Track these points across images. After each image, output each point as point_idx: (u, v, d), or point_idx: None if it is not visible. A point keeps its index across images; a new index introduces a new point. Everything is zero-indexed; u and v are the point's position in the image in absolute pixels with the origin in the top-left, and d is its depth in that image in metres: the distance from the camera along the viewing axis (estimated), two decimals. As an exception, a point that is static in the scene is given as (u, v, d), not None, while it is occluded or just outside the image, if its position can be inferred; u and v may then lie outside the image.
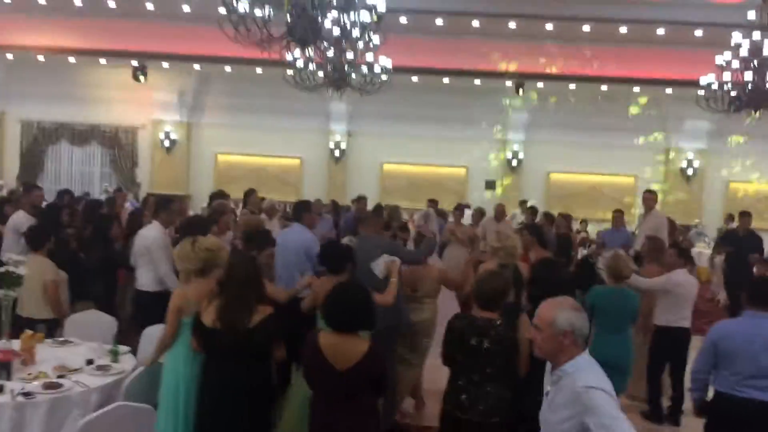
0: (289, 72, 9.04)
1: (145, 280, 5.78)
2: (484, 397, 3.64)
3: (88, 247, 6.48)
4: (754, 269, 8.39)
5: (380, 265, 4.81)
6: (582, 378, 2.58)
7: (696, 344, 8.39)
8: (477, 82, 14.28)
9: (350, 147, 16.17)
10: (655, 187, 15.57)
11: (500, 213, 10.77)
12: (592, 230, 13.15)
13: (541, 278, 3.96)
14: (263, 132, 15.71)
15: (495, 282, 3.78)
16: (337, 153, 16.03)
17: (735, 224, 10.54)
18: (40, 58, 14.01)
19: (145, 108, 15.70)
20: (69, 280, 5.63)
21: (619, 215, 9.98)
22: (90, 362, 4.28)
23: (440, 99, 14.90)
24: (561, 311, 2.71)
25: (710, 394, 4.17)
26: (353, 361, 3.31)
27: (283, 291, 4.85)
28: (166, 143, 15.98)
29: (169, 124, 16.00)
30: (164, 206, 6.13)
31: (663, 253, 6.45)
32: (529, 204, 12.76)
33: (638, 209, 14.25)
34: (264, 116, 15.38)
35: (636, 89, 14.13)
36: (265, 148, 15.90)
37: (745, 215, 9.55)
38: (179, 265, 4.09)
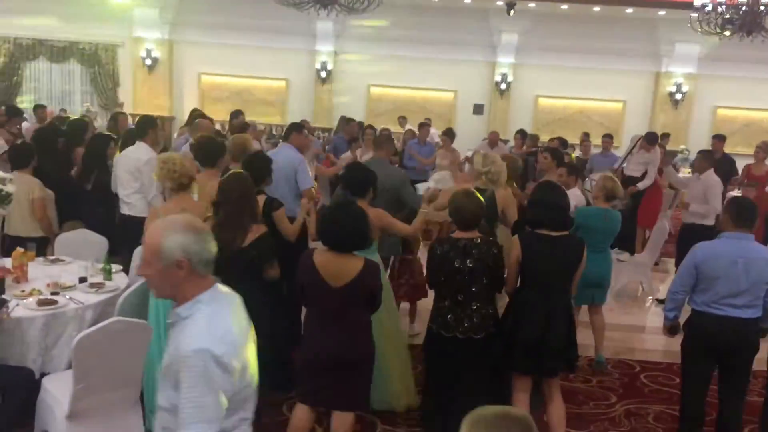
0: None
1: (137, 204, 5.54)
2: (469, 315, 3.75)
3: (84, 171, 6.22)
4: (739, 191, 8.52)
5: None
6: (194, 334, 2.05)
7: (665, 267, 8.76)
8: (467, 1, 13.91)
9: (337, 68, 15.85)
10: (643, 112, 15.67)
11: (494, 140, 10.75)
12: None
13: (538, 201, 3.98)
14: (248, 52, 15.31)
15: (472, 204, 3.81)
16: (323, 74, 15.71)
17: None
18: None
19: (125, 24, 15.17)
20: (62, 202, 5.57)
21: (607, 140, 10.17)
22: (83, 280, 4.31)
23: (429, 20, 14.56)
24: (169, 235, 2.09)
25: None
26: (349, 278, 3.37)
27: (291, 226, 4.73)
28: (148, 62, 15.52)
29: (151, 42, 15.52)
30: (152, 124, 5.95)
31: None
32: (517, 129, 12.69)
33: (626, 134, 14.31)
34: (249, 35, 14.96)
35: (629, 11, 13.88)
36: (251, 69, 15.52)
37: (719, 138, 9.66)
38: (163, 184, 4.14)
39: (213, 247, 2.19)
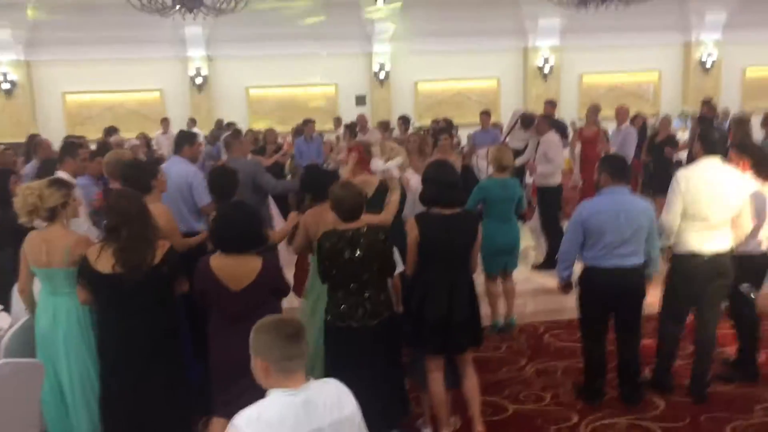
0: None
1: None
2: (362, 303, 3.75)
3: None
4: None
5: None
6: None
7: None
8: (336, -7, 13.94)
9: (212, 73, 15.43)
10: (516, 86, 16.34)
11: (362, 124, 10.83)
12: (462, 135, 13.57)
13: (431, 179, 4.04)
14: (115, 65, 14.59)
15: (350, 194, 3.80)
16: (198, 80, 15.25)
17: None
18: None
19: (-26, 49, 14.07)
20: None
21: (485, 116, 10.48)
22: (-41, 326, 3.96)
23: (300, 15, 14.42)
24: None
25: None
26: (249, 280, 3.30)
27: (276, 233, 4.58)
28: (5, 86, 14.47)
29: (5, 65, 14.45)
30: (71, 152, 5.52)
31: None
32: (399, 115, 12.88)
33: (503, 110, 14.88)
34: (113, 48, 14.23)
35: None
36: (120, 83, 14.82)
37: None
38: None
39: None
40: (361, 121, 10.93)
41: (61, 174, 5.12)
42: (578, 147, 9.20)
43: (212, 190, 4.64)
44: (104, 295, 3.52)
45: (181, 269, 3.62)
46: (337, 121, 13.12)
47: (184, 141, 5.55)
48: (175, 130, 9.67)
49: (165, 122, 13.61)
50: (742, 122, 8.03)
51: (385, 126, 10.86)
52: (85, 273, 3.49)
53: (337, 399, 2.22)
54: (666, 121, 9.86)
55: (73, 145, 5.69)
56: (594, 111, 9.35)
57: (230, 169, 4.71)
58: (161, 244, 3.53)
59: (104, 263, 3.42)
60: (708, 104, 10.58)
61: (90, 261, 3.46)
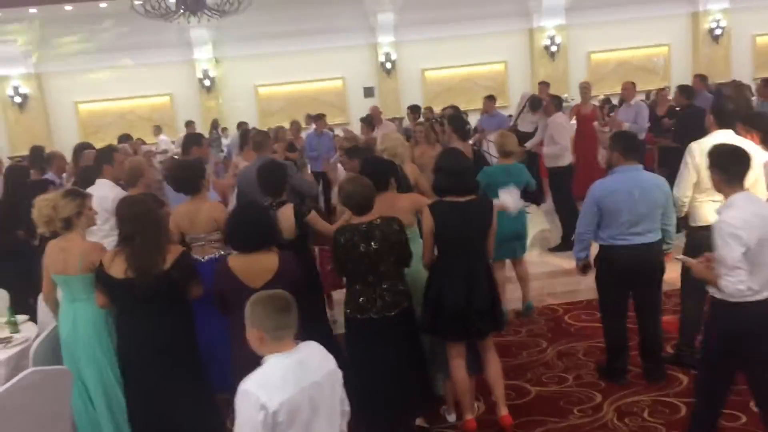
0: (137, 0, 8.41)
1: None
2: (380, 294, 3.77)
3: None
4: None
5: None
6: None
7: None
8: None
9: (220, 74, 15.51)
10: (524, 68, 16.21)
11: (376, 116, 10.76)
12: (473, 120, 13.52)
13: (441, 168, 4.05)
14: (124, 73, 14.72)
15: (359, 187, 3.82)
16: (207, 82, 15.33)
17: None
18: None
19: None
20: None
21: (488, 101, 10.31)
22: (-13, 338, 4.05)
23: (304, 12, 14.45)
24: None
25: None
26: (269, 276, 3.35)
27: (329, 226, 4.51)
28: (17, 99, 14.66)
29: (17, 78, 14.63)
30: (108, 159, 5.33)
31: None
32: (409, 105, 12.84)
33: (511, 93, 14.77)
34: (121, 55, 14.35)
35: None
36: (130, 90, 14.95)
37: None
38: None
39: None
40: (374, 112, 10.76)
41: (103, 182, 5.13)
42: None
43: (263, 186, 4.54)
44: (119, 300, 3.59)
45: (193, 274, 3.66)
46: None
47: (192, 143, 5.59)
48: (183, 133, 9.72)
49: (157, 128, 13.84)
50: (741, 88, 7.92)
51: (414, 109, 10.80)
52: (100, 278, 3.57)
53: (323, 356, 2.57)
54: (664, 93, 9.79)
55: (107, 153, 5.49)
56: (588, 88, 9.39)
57: (279, 164, 4.72)
58: (173, 249, 3.58)
59: (117, 268, 3.49)
60: (701, 78, 10.39)
61: (104, 266, 3.53)
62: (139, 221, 3.53)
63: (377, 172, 4.25)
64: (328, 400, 2.52)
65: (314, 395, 2.44)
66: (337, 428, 2.62)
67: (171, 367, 3.55)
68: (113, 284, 3.52)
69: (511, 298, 5.88)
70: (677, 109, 8.30)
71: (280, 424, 2.33)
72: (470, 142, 9.20)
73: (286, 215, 4.29)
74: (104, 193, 4.90)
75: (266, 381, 2.37)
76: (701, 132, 4.58)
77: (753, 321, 3.13)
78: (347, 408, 2.69)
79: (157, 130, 13.73)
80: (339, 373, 2.60)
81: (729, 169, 3.23)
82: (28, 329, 4.26)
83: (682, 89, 8.11)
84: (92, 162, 5.63)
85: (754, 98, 8.93)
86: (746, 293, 3.07)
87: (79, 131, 14.88)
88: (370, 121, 9.69)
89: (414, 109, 10.97)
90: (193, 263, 3.81)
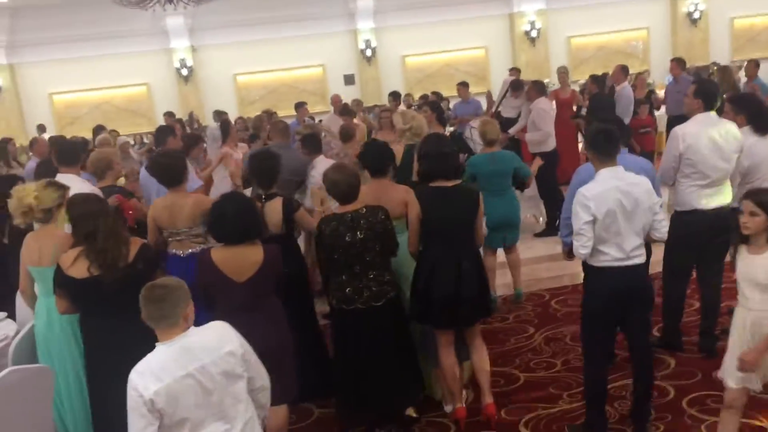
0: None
1: None
2: (367, 285, 3.73)
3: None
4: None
5: None
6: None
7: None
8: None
9: (198, 63, 15.28)
10: (505, 54, 16.17)
11: (336, 104, 10.70)
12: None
13: (426, 153, 4.00)
14: (99, 62, 14.43)
15: (345, 176, 3.76)
16: (184, 72, 15.10)
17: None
18: None
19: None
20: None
21: (462, 87, 10.21)
22: (-36, 337, 3.94)
23: (281, -2, 14.29)
24: None
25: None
26: (252, 270, 3.29)
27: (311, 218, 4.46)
28: (-9, 91, 14.36)
29: (-12, 70, 14.33)
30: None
31: None
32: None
33: (493, 78, 14.73)
34: (96, 44, 14.10)
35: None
36: (106, 80, 14.67)
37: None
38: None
39: None
40: (335, 100, 10.69)
41: (70, 177, 4.82)
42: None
43: (255, 175, 4.44)
44: (83, 302, 3.42)
45: (158, 265, 3.58)
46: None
47: (167, 134, 5.49)
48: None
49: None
50: (726, 71, 7.96)
51: (395, 95, 10.86)
52: (60, 281, 3.39)
53: (217, 340, 2.59)
54: (642, 78, 9.83)
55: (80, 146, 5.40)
56: (565, 73, 9.60)
57: (273, 153, 4.60)
58: (133, 241, 3.47)
59: (78, 269, 3.32)
60: (677, 61, 10.42)
61: (63, 268, 3.36)
62: (98, 217, 3.40)
63: (377, 157, 4.21)
64: (223, 381, 2.54)
65: (202, 379, 2.49)
66: (243, 409, 2.61)
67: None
68: (76, 285, 3.34)
69: (500, 283, 5.86)
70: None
71: (162, 409, 2.42)
72: (451, 128, 9.18)
73: (274, 209, 4.22)
74: (78, 187, 4.65)
75: (145, 369, 2.47)
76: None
77: (619, 284, 3.48)
78: (261, 385, 2.72)
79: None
80: (237, 353, 2.59)
81: (599, 148, 3.56)
82: (6, 327, 4.15)
83: (594, 79, 8.93)
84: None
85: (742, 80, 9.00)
86: (586, 255, 3.50)
87: (55, 123, 14.60)
88: (348, 110, 9.66)
89: (395, 96, 10.92)
90: (155, 254, 3.70)
